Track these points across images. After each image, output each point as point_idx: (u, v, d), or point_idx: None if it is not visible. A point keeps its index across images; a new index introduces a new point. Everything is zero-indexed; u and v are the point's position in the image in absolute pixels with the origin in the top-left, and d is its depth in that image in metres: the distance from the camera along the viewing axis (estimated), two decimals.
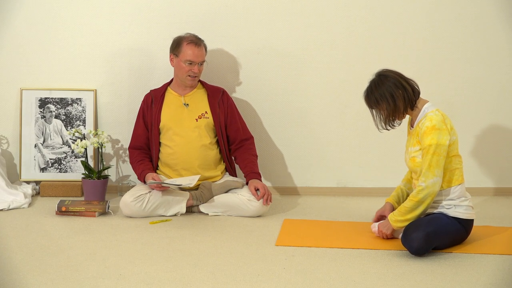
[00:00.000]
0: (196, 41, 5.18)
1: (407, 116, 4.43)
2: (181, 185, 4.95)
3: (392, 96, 4.28)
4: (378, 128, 4.39)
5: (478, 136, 5.69)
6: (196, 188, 5.14)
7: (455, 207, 4.29)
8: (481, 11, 5.59)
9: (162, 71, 5.58)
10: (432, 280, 3.78)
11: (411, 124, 4.43)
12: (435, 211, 4.33)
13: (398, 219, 4.31)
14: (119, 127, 5.71)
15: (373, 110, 4.38)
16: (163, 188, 4.98)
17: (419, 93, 4.37)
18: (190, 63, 5.15)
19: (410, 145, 4.41)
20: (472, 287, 3.68)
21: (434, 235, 4.16)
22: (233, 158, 5.35)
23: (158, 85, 5.39)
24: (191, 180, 5.00)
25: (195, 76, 5.20)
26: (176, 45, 5.19)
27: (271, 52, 5.65)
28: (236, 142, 5.31)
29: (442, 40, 5.62)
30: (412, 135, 4.39)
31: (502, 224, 4.85)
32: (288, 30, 5.63)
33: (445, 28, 5.61)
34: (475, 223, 4.46)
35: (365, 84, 4.42)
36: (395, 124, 4.38)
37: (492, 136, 5.70)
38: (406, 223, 4.29)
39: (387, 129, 4.39)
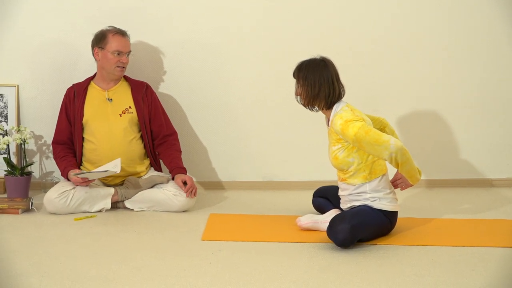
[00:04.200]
0: (122, 32, 5.20)
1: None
2: (106, 170, 4.89)
3: (319, 87, 4.31)
4: (296, 99, 4.44)
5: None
6: (121, 183, 5.11)
7: (380, 199, 4.34)
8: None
9: (86, 66, 5.51)
10: (357, 272, 3.81)
11: (327, 123, 4.47)
12: (360, 203, 4.38)
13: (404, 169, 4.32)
14: (42, 123, 5.64)
15: (296, 83, 4.40)
16: (88, 182, 4.94)
17: (341, 98, 4.40)
18: (119, 54, 5.14)
19: (330, 145, 4.44)
20: (397, 277, 3.73)
21: (359, 227, 4.20)
22: (156, 153, 5.33)
23: (82, 80, 5.33)
24: (114, 164, 4.95)
25: (124, 67, 5.18)
26: (101, 38, 5.17)
27: (195, 45, 5.63)
28: (159, 137, 5.29)
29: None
30: (330, 135, 4.43)
31: (425, 216, 4.93)
32: (211, 23, 5.62)
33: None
34: (399, 215, 4.53)
35: (288, 78, 4.44)
36: (310, 109, 4.43)
37: (421, 132, 5.79)
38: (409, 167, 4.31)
39: (301, 103, 4.44)
